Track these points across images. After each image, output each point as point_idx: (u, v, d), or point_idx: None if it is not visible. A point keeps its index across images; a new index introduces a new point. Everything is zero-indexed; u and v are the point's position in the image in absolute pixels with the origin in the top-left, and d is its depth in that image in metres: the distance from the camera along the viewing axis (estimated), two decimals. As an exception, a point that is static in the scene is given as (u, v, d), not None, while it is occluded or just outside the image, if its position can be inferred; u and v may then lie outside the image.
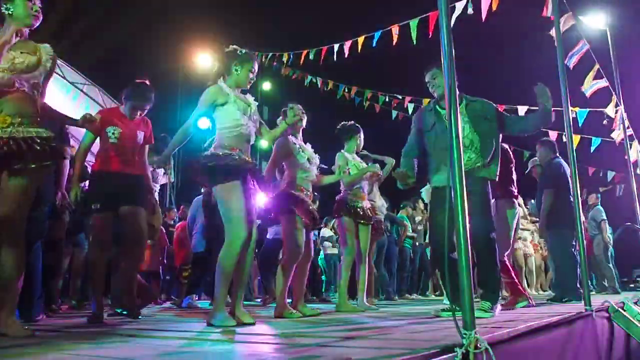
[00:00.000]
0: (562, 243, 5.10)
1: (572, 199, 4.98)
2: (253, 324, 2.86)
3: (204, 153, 2.99)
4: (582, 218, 3.98)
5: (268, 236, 6.52)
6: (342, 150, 4.70)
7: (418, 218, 8.68)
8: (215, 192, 2.96)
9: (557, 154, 5.49)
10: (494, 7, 4.92)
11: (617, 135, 6.19)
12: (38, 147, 2.42)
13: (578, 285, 4.82)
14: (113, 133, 3.55)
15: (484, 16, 4.92)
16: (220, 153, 2.93)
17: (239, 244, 2.81)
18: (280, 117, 3.98)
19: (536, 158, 5.79)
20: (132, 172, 3.58)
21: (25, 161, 2.41)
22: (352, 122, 4.86)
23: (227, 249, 2.84)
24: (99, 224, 3.49)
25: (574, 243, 5.04)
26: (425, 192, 6.07)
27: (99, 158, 3.59)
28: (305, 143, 4.04)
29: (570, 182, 5.09)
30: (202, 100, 3.04)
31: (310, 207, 3.80)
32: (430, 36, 5.40)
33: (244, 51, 3.14)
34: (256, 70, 3.17)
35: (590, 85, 5.24)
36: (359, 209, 4.57)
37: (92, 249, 3.68)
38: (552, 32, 4.16)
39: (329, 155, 4.31)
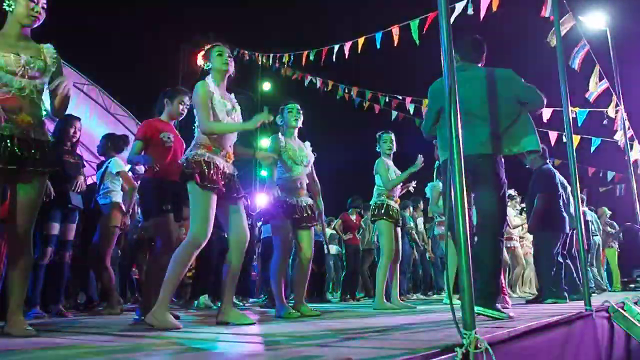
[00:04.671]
0: (545, 246, 5.22)
1: (560, 204, 5.19)
2: (252, 323, 2.87)
3: (185, 155, 2.97)
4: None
5: (263, 235, 6.48)
6: (381, 157, 4.92)
7: (420, 220, 8.67)
8: (188, 188, 2.90)
9: (547, 161, 5.56)
10: (494, 8, 4.92)
11: (620, 135, 6.19)
12: (51, 153, 2.53)
13: (553, 288, 5.01)
14: (169, 137, 3.56)
15: (482, 15, 4.92)
16: (199, 158, 2.87)
17: (195, 247, 2.80)
18: (279, 115, 3.99)
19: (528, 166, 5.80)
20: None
21: (40, 165, 2.46)
22: (380, 132, 5.06)
23: (182, 247, 2.81)
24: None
25: (557, 248, 5.23)
26: (432, 189, 5.95)
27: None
28: (303, 142, 4.05)
29: (559, 187, 5.22)
30: (200, 98, 2.93)
31: (299, 212, 3.79)
32: (428, 35, 5.40)
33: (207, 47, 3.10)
34: (226, 51, 3.08)
35: (594, 90, 5.24)
36: (395, 212, 4.83)
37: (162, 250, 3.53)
38: (549, 38, 4.16)
39: (328, 156, 4.31)
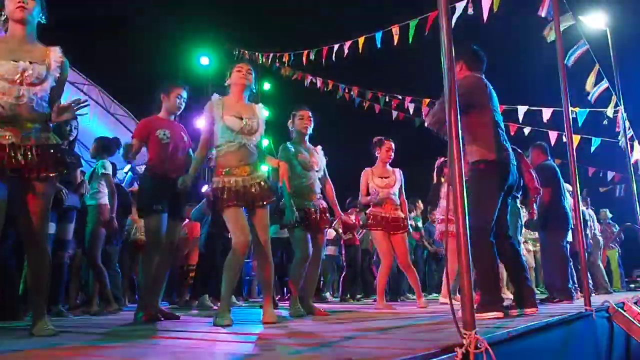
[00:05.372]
0: (554, 243, 5.15)
1: (563, 200, 5.17)
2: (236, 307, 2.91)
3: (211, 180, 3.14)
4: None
5: None
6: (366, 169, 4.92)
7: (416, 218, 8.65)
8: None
9: (549, 157, 5.53)
10: (495, 8, 4.91)
11: (620, 136, 6.19)
12: (57, 155, 2.48)
13: (569, 286, 4.89)
14: (164, 134, 3.52)
15: (485, 17, 4.91)
16: (215, 185, 3.05)
17: (236, 254, 2.98)
18: (290, 121, 3.99)
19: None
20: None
21: (46, 170, 2.43)
22: (380, 137, 4.99)
23: (229, 257, 2.99)
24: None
25: (566, 243, 5.15)
26: None
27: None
28: (315, 146, 4.06)
29: (561, 182, 5.21)
30: (204, 116, 3.15)
31: (313, 216, 3.82)
32: (428, 35, 5.41)
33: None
34: (245, 66, 3.21)
35: (594, 90, 5.24)
36: (388, 219, 4.73)
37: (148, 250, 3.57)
38: (545, 32, 4.16)
39: (327, 156, 4.28)
